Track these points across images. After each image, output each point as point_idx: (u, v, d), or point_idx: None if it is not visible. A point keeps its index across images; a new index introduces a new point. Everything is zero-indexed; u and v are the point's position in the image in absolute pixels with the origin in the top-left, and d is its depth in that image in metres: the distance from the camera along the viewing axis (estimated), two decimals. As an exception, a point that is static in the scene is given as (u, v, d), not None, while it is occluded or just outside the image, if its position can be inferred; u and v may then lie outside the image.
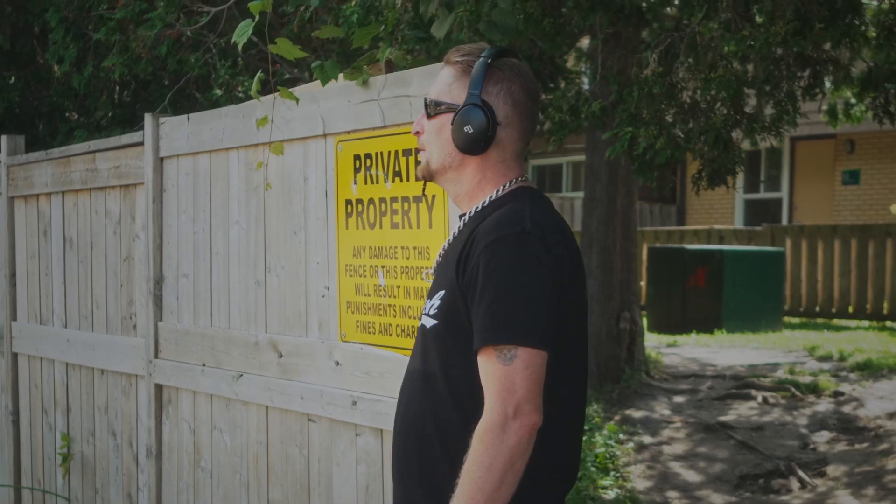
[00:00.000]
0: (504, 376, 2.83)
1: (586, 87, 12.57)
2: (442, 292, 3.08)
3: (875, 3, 8.53)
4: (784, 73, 6.32)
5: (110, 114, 11.65)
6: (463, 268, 3.00)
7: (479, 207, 3.17)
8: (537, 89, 3.25)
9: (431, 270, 3.30)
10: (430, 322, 3.10)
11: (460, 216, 3.24)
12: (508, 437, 2.80)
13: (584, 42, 12.97)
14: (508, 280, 2.90)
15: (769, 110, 6.77)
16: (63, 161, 7.23)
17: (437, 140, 3.23)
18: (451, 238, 3.22)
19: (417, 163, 3.43)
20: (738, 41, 5.85)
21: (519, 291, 2.89)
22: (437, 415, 3.07)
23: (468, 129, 3.11)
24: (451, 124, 3.15)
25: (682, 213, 26.63)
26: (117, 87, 11.39)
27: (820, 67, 6.37)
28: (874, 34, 7.61)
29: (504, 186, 3.18)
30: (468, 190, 3.23)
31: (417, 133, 3.31)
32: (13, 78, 12.95)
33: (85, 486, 7.09)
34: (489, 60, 3.13)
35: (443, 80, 3.23)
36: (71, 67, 11.27)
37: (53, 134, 12.23)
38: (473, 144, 3.13)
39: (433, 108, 3.22)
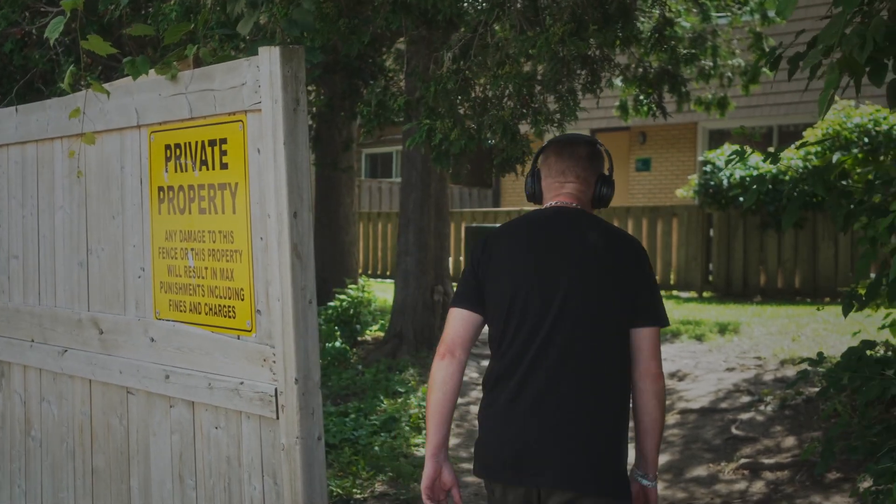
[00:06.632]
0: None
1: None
2: None
3: (654, 10, 8.56)
4: (565, 71, 6.24)
5: (-36, 105, 11.12)
6: None
7: None
8: (555, 150, 3.92)
9: None
10: None
11: None
12: (433, 365, 3.72)
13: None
14: None
15: (553, 105, 6.70)
16: None
17: None
18: None
19: None
20: (522, 42, 5.75)
21: None
22: None
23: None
24: None
25: (498, 196, 26.73)
26: (-31, 80, 10.82)
27: (597, 66, 6.30)
28: (646, 37, 7.62)
29: None
30: None
31: None
32: None
33: (-72, 454, 6.70)
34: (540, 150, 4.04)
35: None
36: (-78, 61, 10.72)
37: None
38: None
39: None
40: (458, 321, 3.68)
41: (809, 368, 5.89)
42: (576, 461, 3.46)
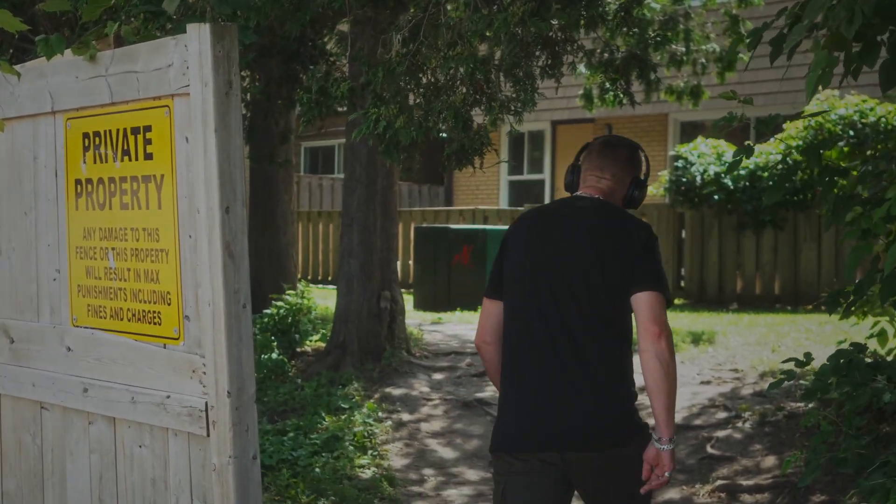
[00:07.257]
0: None
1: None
2: None
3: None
4: (524, 54, 6.23)
5: None
6: None
7: None
8: (597, 148, 4.54)
9: None
10: None
11: None
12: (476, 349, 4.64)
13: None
14: None
15: (509, 91, 6.68)
16: None
17: None
18: None
19: None
20: (477, 21, 5.75)
21: None
22: None
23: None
24: None
25: (450, 194, 26.73)
26: None
27: (559, 48, 6.30)
28: (611, 17, 7.62)
29: None
30: None
31: None
32: None
33: None
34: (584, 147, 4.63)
35: None
36: None
37: None
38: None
39: None
40: (484, 314, 4.48)
41: (796, 370, 5.91)
42: (588, 423, 4.11)
